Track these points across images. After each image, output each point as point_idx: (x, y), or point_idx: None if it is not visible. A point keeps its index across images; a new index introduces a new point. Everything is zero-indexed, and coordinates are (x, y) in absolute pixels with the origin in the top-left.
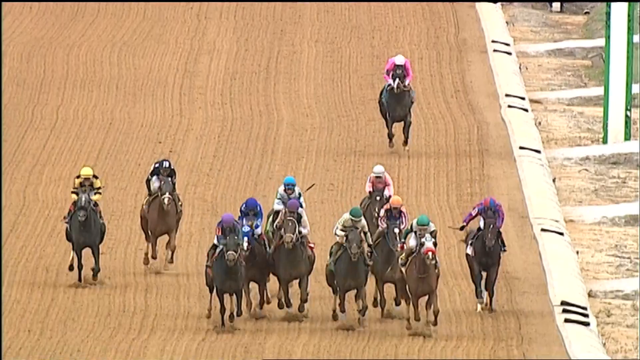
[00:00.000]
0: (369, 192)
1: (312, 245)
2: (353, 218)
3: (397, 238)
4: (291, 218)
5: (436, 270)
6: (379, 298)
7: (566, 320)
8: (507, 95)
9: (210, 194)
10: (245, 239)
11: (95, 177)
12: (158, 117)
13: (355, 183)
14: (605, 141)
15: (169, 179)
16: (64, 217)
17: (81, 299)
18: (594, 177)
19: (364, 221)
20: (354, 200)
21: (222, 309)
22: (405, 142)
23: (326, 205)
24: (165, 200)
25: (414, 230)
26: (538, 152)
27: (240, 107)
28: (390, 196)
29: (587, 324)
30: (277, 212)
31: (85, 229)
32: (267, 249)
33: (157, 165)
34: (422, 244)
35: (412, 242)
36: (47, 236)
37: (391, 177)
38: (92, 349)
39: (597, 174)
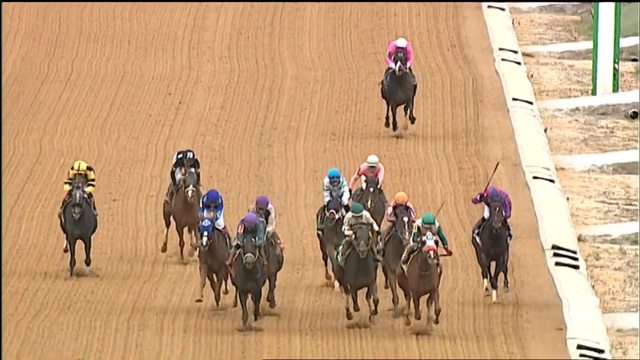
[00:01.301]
0: (365, 182)
1: (282, 246)
2: (355, 214)
3: (406, 227)
4: (260, 219)
5: (438, 269)
6: (392, 295)
7: (557, 264)
8: (500, 49)
9: (217, 143)
10: (205, 233)
11: (89, 168)
12: (168, 70)
13: (356, 133)
14: (594, 93)
15: (193, 169)
16: (59, 215)
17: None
18: (583, 127)
19: (366, 214)
20: (355, 149)
21: (244, 313)
22: (412, 121)
23: (328, 154)
24: (189, 193)
25: (419, 228)
26: (530, 103)
27: (246, 61)
28: (381, 181)
29: (576, 267)
30: (323, 208)
31: (79, 222)
32: (229, 241)
33: (180, 156)
34: (423, 243)
35: (412, 242)
36: (62, 183)
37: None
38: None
39: (586, 124)
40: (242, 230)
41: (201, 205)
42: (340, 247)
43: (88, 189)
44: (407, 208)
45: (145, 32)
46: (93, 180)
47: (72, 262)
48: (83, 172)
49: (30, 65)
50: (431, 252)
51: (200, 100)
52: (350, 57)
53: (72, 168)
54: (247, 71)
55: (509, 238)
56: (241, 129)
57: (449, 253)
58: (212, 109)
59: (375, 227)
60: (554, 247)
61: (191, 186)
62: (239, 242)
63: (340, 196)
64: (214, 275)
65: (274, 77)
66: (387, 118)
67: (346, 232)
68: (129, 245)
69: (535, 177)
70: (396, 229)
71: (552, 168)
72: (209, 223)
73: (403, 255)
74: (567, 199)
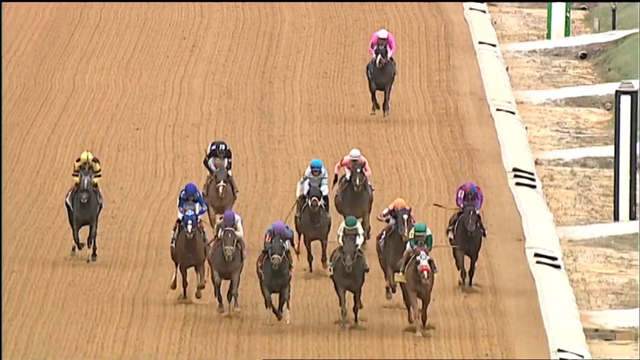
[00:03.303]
0: (349, 173)
1: (245, 252)
2: (348, 227)
3: (405, 224)
4: (230, 229)
5: (432, 280)
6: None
7: (517, 184)
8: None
9: (225, 81)
10: (190, 221)
11: (95, 160)
12: (183, 17)
13: (345, 72)
14: (549, 37)
15: (225, 159)
16: (65, 203)
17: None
18: (539, 66)
19: (359, 226)
20: (343, 86)
21: (273, 309)
22: (386, 108)
23: (320, 89)
24: (220, 189)
25: (412, 238)
26: (494, 46)
27: (250, 10)
28: (367, 175)
29: (533, 187)
30: (302, 197)
31: (86, 208)
32: (204, 235)
33: (213, 147)
34: (417, 262)
35: (408, 247)
36: (93, 115)
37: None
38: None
39: (542, 63)
40: (269, 239)
41: (179, 201)
42: (333, 253)
43: (95, 181)
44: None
45: None
46: (99, 171)
47: (78, 244)
48: (89, 163)
49: (65, 13)
50: (424, 273)
51: (211, 43)
52: (340, 7)
53: (79, 160)
54: (251, 19)
55: (483, 236)
56: (246, 68)
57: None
58: (220, 51)
59: (360, 241)
60: (515, 169)
61: (222, 182)
62: (266, 246)
63: (320, 185)
64: (194, 268)
65: (274, 24)
66: (373, 98)
67: (339, 242)
68: (150, 168)
69: (498, 110)
70: (396, 226)
71: (512, 101)
72: (192, 213)
73: (401, 263)
74: (526, 128)
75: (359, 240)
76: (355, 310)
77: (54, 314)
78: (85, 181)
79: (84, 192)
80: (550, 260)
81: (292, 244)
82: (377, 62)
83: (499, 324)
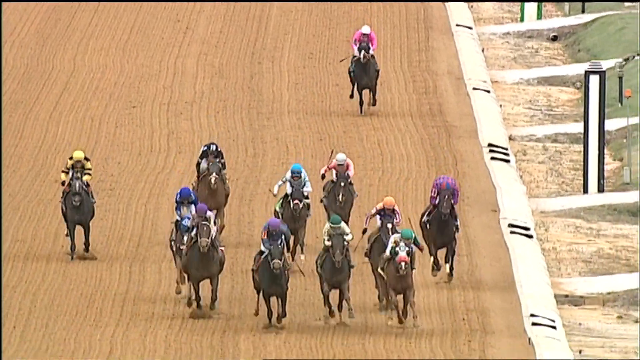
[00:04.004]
0: (335, 176)
1: (222, 247)
2: (332, 225)
3: (390, 232)
4: (205, 222)
5: (412, 271)
6: (378, 293)
7: (492, 158)
8: None
9: (217, 61)
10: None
11: (86, 159)
12: (177, 1)
13: (330, 52)
14: (522, 20)
15: (217, 159)
16: (60, 203)
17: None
18: (513, 47)
19: (343, 225)
20: (328, 66)
21: (270, 312)
22: (374, 104)
23: (307, 69)
24: (212, 180)
25: (397, 243)
26: (470, 28)
27: None
28: (351, 176)
29: (508, 161)
30: (285, 196)
31: (79, 209)
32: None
33: (205, 148)
34: (396, 253)
35: (388, 251)
36: (92, 93)
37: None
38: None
39: (515, 45)
40: (265, 236)
41: (176, 204)
42: (319, 253)
43: (85, 178)
44: (394, 211)
45: None
46: (89, 169)
47: (73, 247)
48: (80, 161)
49: None
50: (402, 263)
51: (203, 26)
52: None
53: (71, 158)
54: (241, 2)
55: (456, 228)
56: (236, 49)
57: (420, 249)
58: (212, 33)
59: (349, 238)
60: (490, 144)
61: (214, 174)
62: (263, 247)
63: (302, 187)
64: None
65: (263, 7)
66: (353, 92)
67: (325, 242)
68: (146, 143)
69: (474, 88)
70: (381, 233)
71: (488, 81)
72: (189, 215)
73: (380, 263)
74: (500, 105)
75: (348, 237)
76: (342, 303)
77: (56, 281)
78: (77, 185)
79: (76, 195)
80: (523, 230)
81: (288, 245)
82: (362, 57)
83: (474, 290)
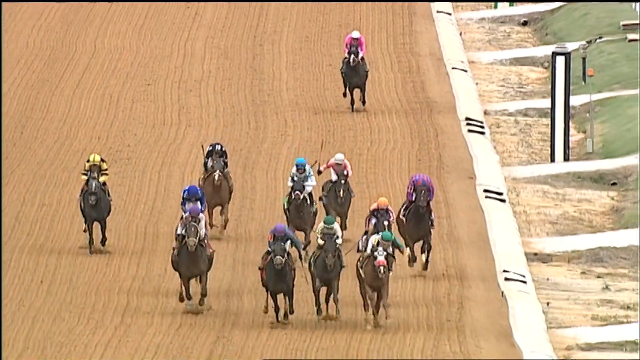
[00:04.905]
0: (334, 175)
1: (212, 250)
2: (326, 225)
3: (386, 229)
4: (194, 223)
5: (390, 273)
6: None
7: (469, 131)
8: None
9: (223, 43)
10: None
11: (102, 160)
12: None
13: (324, 36)
14: (496, 7)
15: (221, 159)
16: (78, 200)
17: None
18: (488, 31)
19: (336, 226)
20: (322, 48)
21: (277, 308)
22: (363, 103)
23: (303, 51)
24: (216, 177)
25: (379, 242)
26: (449, 14)
27: None
28: (349, 174)
29: (483, 133)
30: (290, 192)
31: (95, 207)
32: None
33: (210, 148)
34: (375, 257)
35: (369, 250)
36: (111, 73)
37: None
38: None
39: (490, 29)
40: (271, 239)
41: (182, 200)
42: (313, 251)
43: (102, 178)
44: (387, 211)
45: None
46: (106, 170)
47: (91, 242)
48: (97, 164)
49: None
50: (381, 267)
51: (210, 12)
52: None
53: (88, 161)
54: None
55: (431, 223)
56: (240, 32)
57: (401, 251)
58: (218, 18)
59: (339, 241)
60: (467, 118)
61: (217, 171)
62: (269, 248)
63: (304, 181)
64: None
65: None
66: (345, 93)
67: (318, 241)
68: (159, 117)
69: (453, 68)
70: (378, 230)
71: (465, 61)
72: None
73: (359, 260)
74: (476, 83)
75: (339, 240)
76: (333, 301)
77: (79, 242)
78: (94, 184)
79: (92, 195)
80: (496, 195)
81: (297, 246)
82: (351, 60)
83: (453, 248)
